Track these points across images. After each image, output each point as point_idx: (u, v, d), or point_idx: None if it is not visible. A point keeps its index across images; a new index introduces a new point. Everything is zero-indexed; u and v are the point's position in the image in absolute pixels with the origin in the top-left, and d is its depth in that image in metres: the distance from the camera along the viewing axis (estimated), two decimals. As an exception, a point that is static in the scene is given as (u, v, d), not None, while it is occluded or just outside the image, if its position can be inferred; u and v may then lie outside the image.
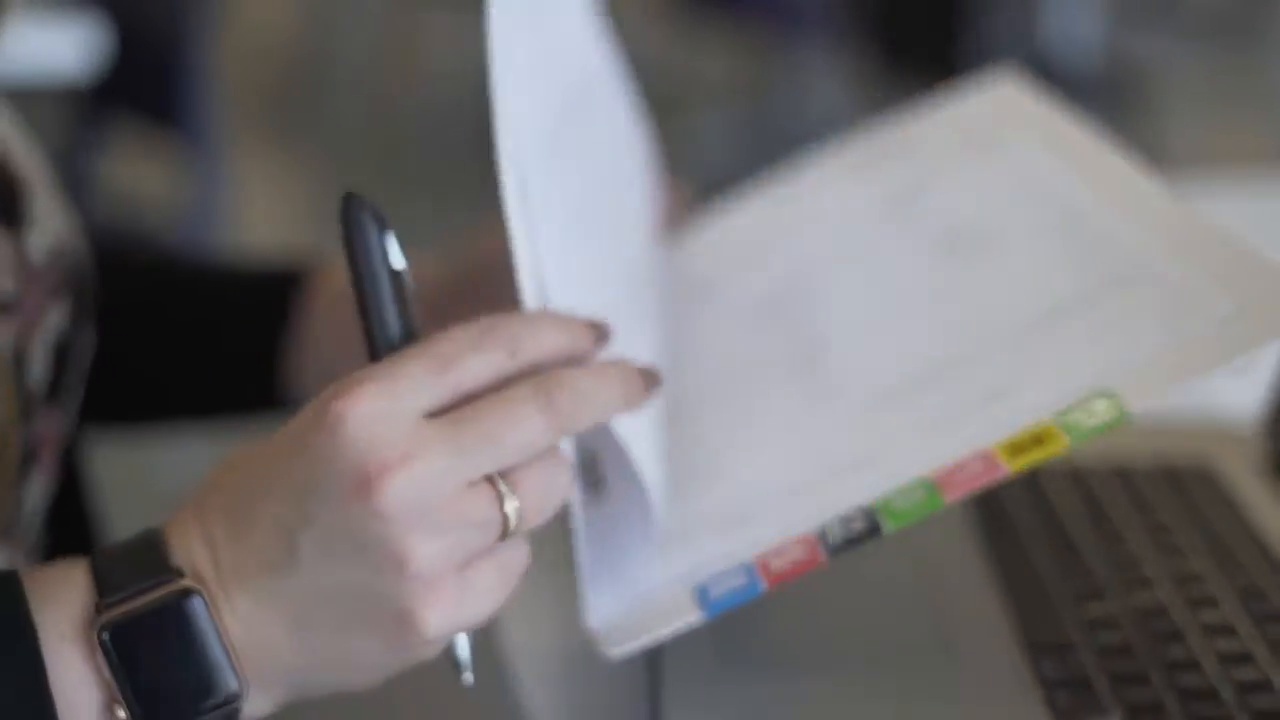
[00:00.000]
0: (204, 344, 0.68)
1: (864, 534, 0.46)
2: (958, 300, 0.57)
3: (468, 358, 0.42)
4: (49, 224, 0.56)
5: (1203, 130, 3.84)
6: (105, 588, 0.41)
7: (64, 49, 1.31)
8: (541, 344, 0.43)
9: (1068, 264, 0.55)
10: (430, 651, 0.42)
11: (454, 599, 0.41)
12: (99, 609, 0.40)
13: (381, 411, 0.40)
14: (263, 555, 0.41)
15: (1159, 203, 0.55)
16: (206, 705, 0.40)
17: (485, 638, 0.51)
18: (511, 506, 0.41)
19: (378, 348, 0.43)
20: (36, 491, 0.54)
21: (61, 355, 0.56)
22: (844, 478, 0.50)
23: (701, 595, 0.48)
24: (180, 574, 0.41)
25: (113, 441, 0.71)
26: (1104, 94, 3.17)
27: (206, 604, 0.40)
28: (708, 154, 2.91)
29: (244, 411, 0.69)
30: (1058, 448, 0.46)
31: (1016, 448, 0.47)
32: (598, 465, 0.53)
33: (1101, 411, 0.46)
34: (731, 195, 0.74)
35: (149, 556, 0.42)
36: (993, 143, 0.66)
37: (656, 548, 0.51)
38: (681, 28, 4.06)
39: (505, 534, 0.41)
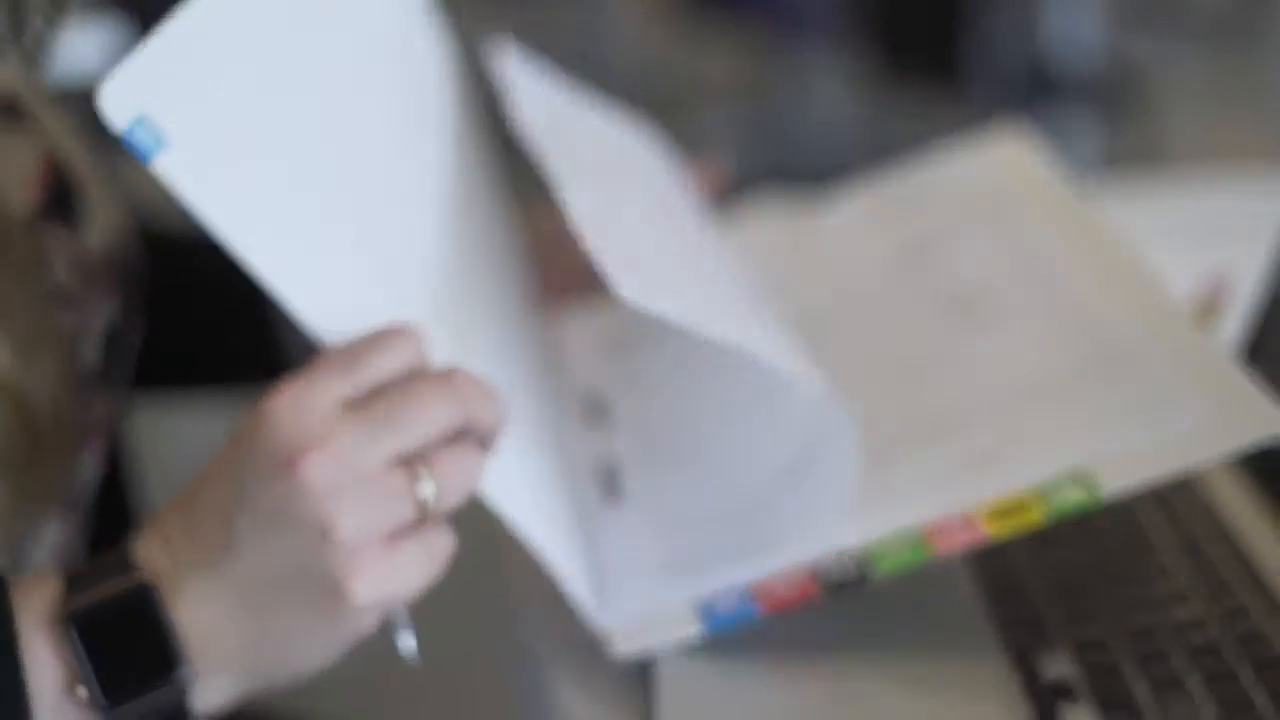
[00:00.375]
0: (243, 311, 0.73)
1: (856, 578, 0.52)
2: (955, 364, 0.63)
3: (376, 355, 0.47)
4: (103, 221, 0.61)
5: (1202, 130, 3.87)
6: (72, 584, 0.46)
7: (89, 51, 1.35)
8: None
9: (1059, 343, 0.60)
10: (364, 621, 0.46)
11: (379, 570, 0.46)
12: (65, 601, 0.46)
13: (301, 401, 0.46)
14: (207, 541, 0.46)
15: (1146, 285, 0.61)
16: (157, 685, 0.45)
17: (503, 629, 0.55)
18: (427, 487, 0.46)
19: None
20: (89, 467, 0.59)
21: (112, 342, 0.61)
22: (843, 521, 0.55)
23: (706, 612, 0.53)
24: (137, 569, 0.46)
25: (156, 417, 0.76)
26: (1104, 94, 3.21)
27: (157, 595, 0.45)
28: (710, 154, 2.97)
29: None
30: (1034, 520, 0.51)
31: (997, 514, 0.52)
32: (617, 478, 0.59)
33: (1078, 492, 0.51)
34: (743, 199, 0.79)
35: (114, 557, 0.47)
36: (997, 209, 0.71)
37: (664, 562, 0.56)
38: (684, 29, 4.11)
39: (426, 515, 0.46)
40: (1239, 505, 0.60)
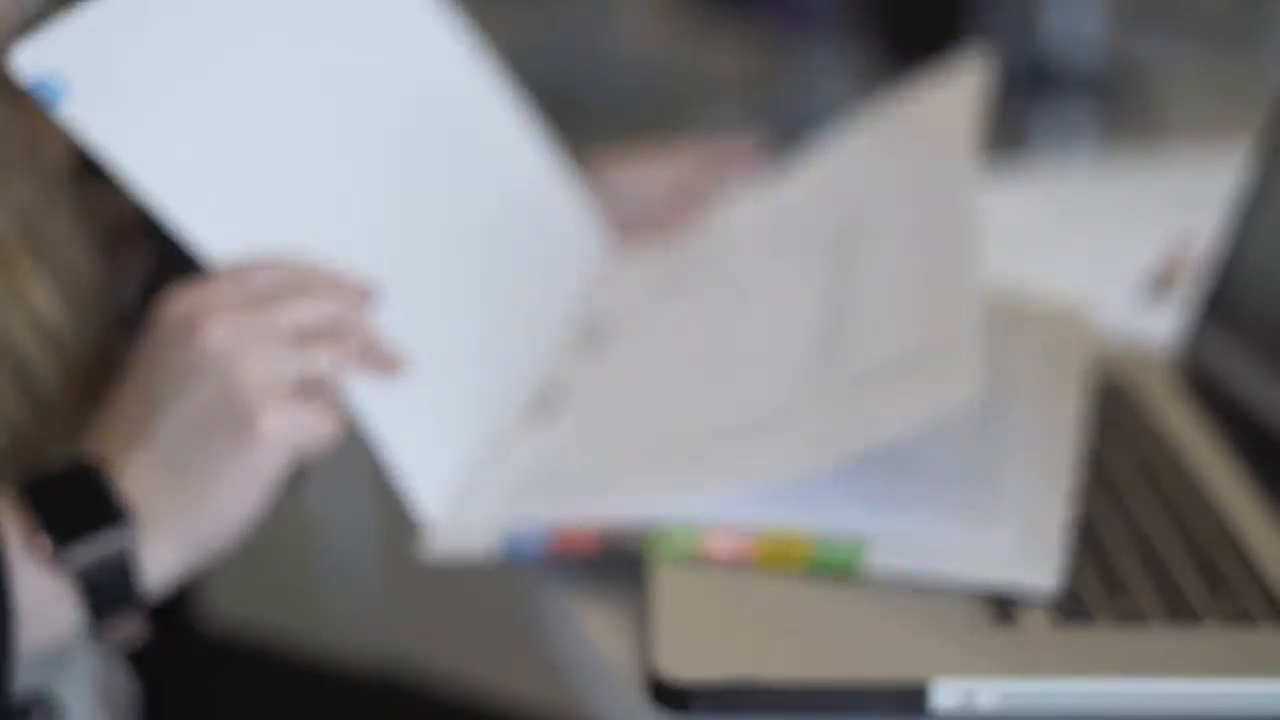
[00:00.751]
0: None
1: (633, 552, 0.56)
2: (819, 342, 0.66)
3: (264, 270, 0.57)
4: None
5: (1201, 127, 3.92)
6: (63, 528, 0.53)
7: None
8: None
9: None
10: (274, 458, 0.54)
11: (283, 410, 0.54)
12: (59, 541, 0.53)
13: (196, 289, 0.56)
14: (135, 412, 0.54)
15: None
16: (103, 534, 0.53)
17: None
18: (322, 359, 0.56)
19: None
20: None
21: (149, 290, 0.67)
22: (659, 495, 0.59)
23: (509, 536, 0.59)
24: (83, 453, 0.54)
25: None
26: (1103, 90, 3.26)
27: (99, 466, 0.53)
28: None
29: None
30: (794, 568, 0.55)
31: (770, 550, 0.55)
32: (557, 402, 0.64)
33: (844, 559, 0.55)
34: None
35: (75, 451, 0.55)
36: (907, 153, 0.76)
37: (525, 483, 0.62)
38: (689, 25, 4.15)
39: (322, 382, 0.56)
40: (1186, 433, 0.66)
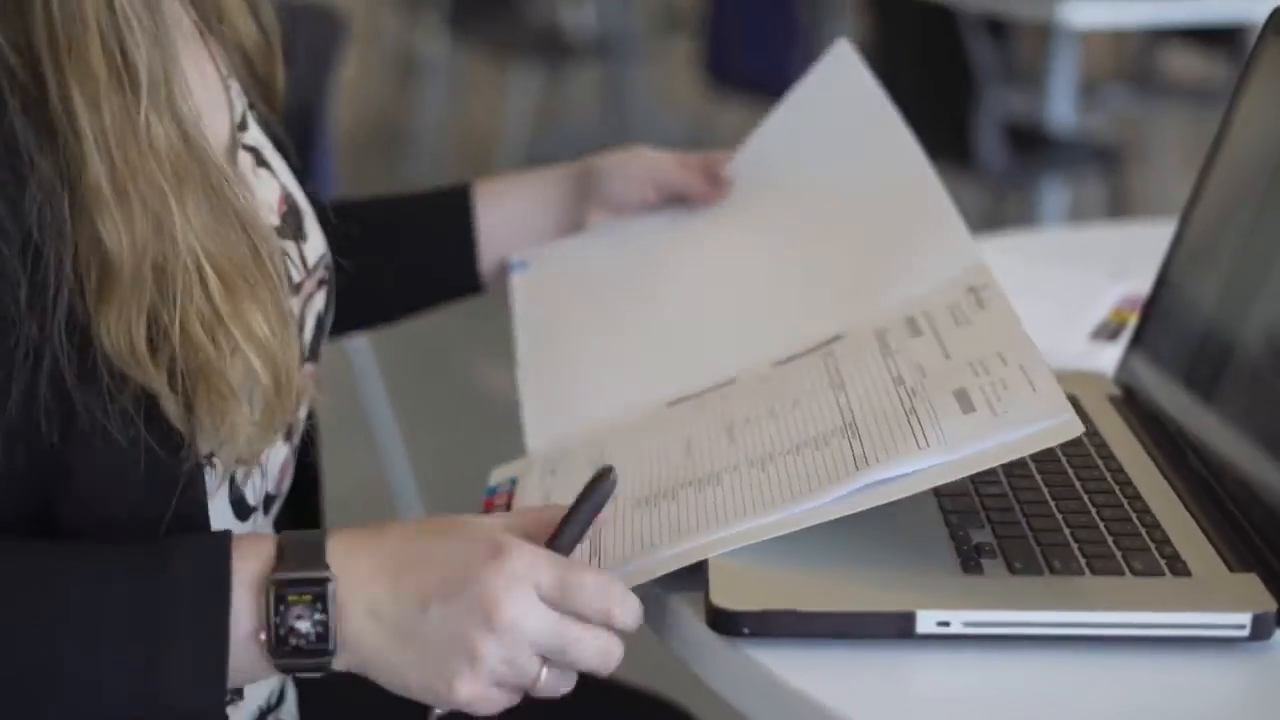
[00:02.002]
0: (414, 254, 1.01)
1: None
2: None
3: (582, 591, 0.68)
4: (315, 237, 0.85)
5: (1182, 184, 4.11)
6: (280, 561, 0.68)
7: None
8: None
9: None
10: (446, 707, 0.68)
11: (478, 692, 0.67)
12: (273, 571, 0.67)
13: (520, 584, 0.66)
14: (400, 597, 0.67)
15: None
16: (311, 654, 0.67)
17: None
18: (542, 677, 0.67)
19: (556, 548, 0.70)
20: (301, 412, 0.83)
21: (319, 326, 0.85)
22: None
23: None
24: (327, 569, 0.67)
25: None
26: (1097, 153, 3.46)
27: (334, 592, 0.66)
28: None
29: (447, 300, 1.04)
30: None
31: None
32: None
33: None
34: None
35: (313, 551, 0.68)
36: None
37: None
38: (706, 102, 4.37)
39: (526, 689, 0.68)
40: (1115, 432, 0.84)
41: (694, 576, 0.72)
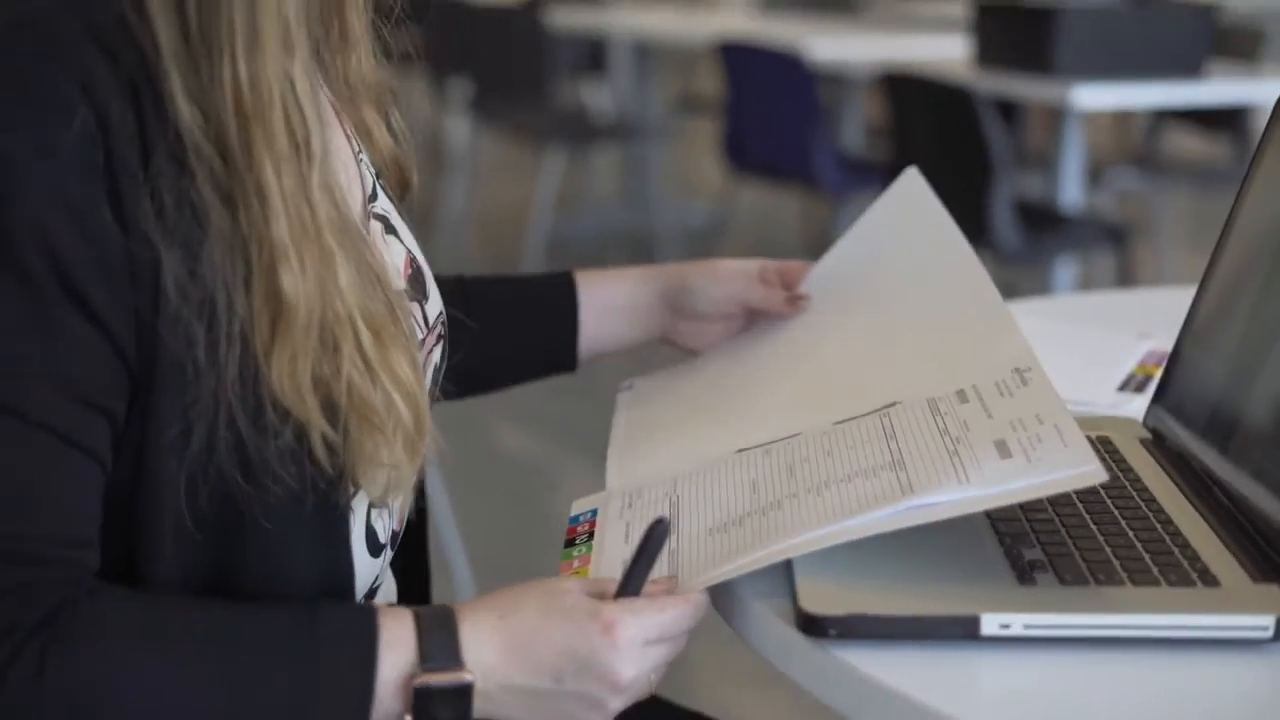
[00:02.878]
0: (519, 332, 1.10)
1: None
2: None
3: (675, 620, 0.82)
4: (434, 296, 0.96)
5: (1187, 259, 4.25)
6: (423, 657, 0.78)
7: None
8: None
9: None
10: None
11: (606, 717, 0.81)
12: (415, 672, 0.77)
13: (631, 649, 0.80)
14: (534, 683, 0.80)
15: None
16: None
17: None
18: (654, 678, 0.82)
19: (626, 593, 0.83)
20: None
21: (435, 377, 0.96)
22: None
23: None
24: (464, 667, 0.78)
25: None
26: (1102, 232, 3.58)
27: (472, 693, 0.78)
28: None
29: (543, 376, 1.14)
30: None
31: None
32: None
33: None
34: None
35: (449, 643, 0.79)
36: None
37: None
38: (729, 186, 4.50)
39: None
40: (1146, 469, 0.95)
41: (782, 594, 0.82)
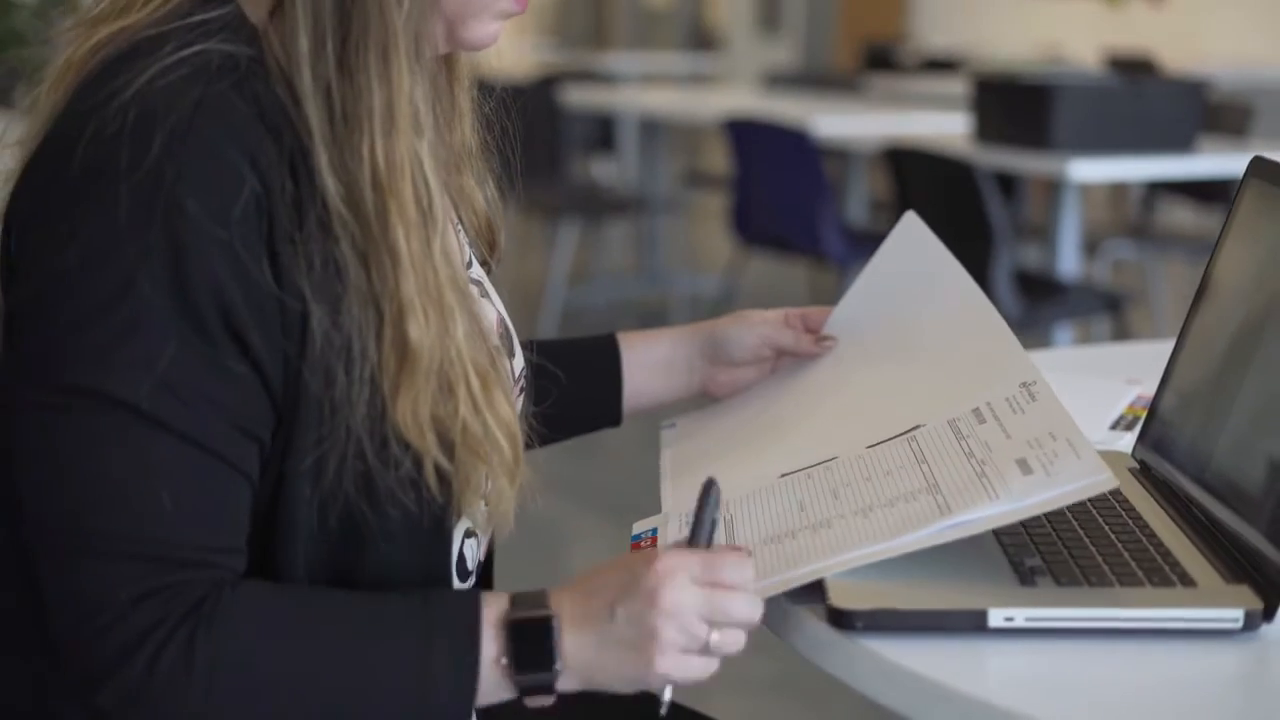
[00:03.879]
0: (570, 390, 1.20)
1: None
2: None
3: (724, 566, 0.91)
4: (519, 353, 1.08)
5: (1179, 323, 4.36)
6: (514, 602, 0.91)
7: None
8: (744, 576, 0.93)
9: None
10: (657, 683, 0.91)
11: (675, 663, 0.91)
12: (509, 612, 0.90)
13: (676, 576, 0.89)
14: (597, 614, 0.90)
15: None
16: (542, 670, 0.90)
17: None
18: (714, 638, 0.90)
19: (694, 545, 0.93)
20: None
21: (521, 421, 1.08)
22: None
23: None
24: (549, 608, 0.90)
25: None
26: (1099, 300, 3.71)
27: (557, 625, 0.90)
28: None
29: (590, 431, 1.23)
30: None
31: None
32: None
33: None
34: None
35: (538, 599, 0.91)
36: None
37: None
38: (738, 259, 4.63)
39: (708, 649, 0.90)
40: (1135, 493, 1.07)
41: (811, 595, 0.94)
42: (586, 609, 0.91)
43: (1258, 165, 1.14)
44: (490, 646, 0.90)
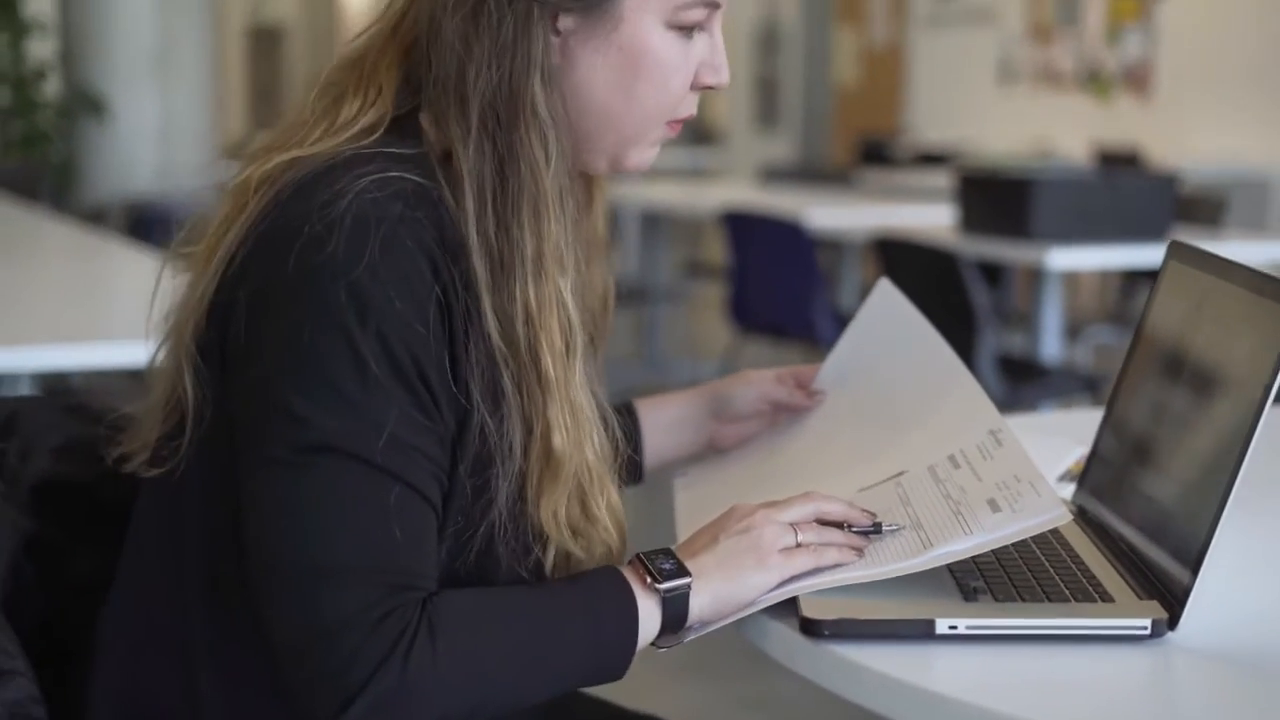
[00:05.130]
0: None
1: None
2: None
3: (804, 504, 1.13)
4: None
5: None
6: (655, 573, 1.08)
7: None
8: (835, 510, 1.15)
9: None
10: (775, 574, 1.09)
11: (782, 558, 1.09)
12: (654, 581, 1.07)
13: (767, 514, 1.12)
14: (708, 538, 1.10)
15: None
16: (679, 580, 1.08)
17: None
18: (804, 535, 1.11)
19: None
20: None
21: None
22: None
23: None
24: (687, 572, 1.08)
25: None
26: (1080, 382, 3.88)
27: (689, 585, 1.08)
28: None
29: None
30: None
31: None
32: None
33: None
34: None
35: (673, 560, 1.09)
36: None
37: None
38: (733, 348, 4.81)
39: (800, 546, 1.11)
40: (1071, 532, 1.24)
41: (786, 611, 1.11)
42: (693, 546, 1.12)
43: (1175, 248, 1.32)
44: (648, 606, 1.08)
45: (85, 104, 5.87)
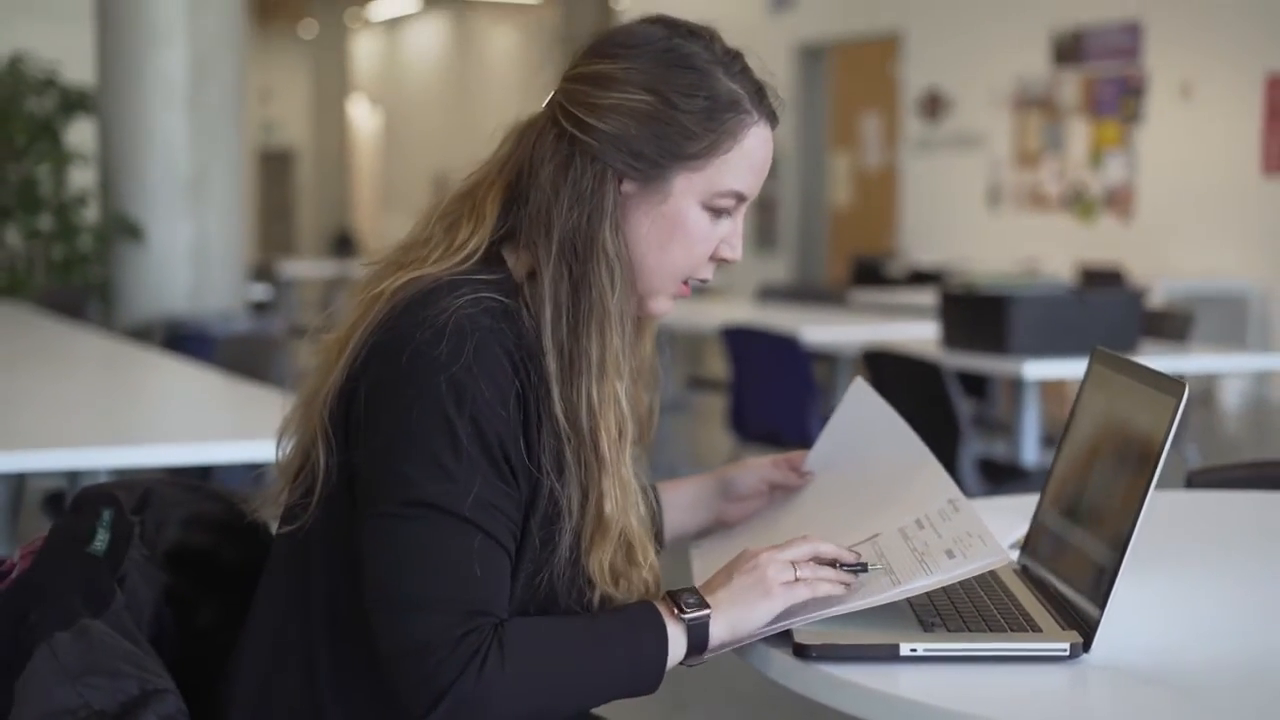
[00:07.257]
0: None
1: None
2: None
3: (804, 546, 1.43)
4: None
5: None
6: (682, 606, 1.37)
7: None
8: (828, 550, 1.44)
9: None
10: (780, 603, 1.38)
11: (786, 590, 1.38)
12: (680, 613, 1.36)
13: (772, 556, 1.40)
14: (722, 578, 1.40)
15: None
16: (700, 612, 1.37)
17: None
18: (803, 572, 1.39)
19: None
20: None
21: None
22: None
23: None
24: (707, 605, 1.37)
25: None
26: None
27: (709, 618, 1.36)
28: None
29: None
30: None
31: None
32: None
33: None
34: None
35: (695, 596, 1.37)
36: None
37: None
38: (741, 451, 5.08)
39: (798, 581, 1.40)
40: (1012, 582, 1.53)
41: (781, 640, 1.40)
42: (712, 584, 1.39)
43: (1097, 354, 1.63)
44: (675, 630, 1.36)
45: (123, 228, 6.20)
